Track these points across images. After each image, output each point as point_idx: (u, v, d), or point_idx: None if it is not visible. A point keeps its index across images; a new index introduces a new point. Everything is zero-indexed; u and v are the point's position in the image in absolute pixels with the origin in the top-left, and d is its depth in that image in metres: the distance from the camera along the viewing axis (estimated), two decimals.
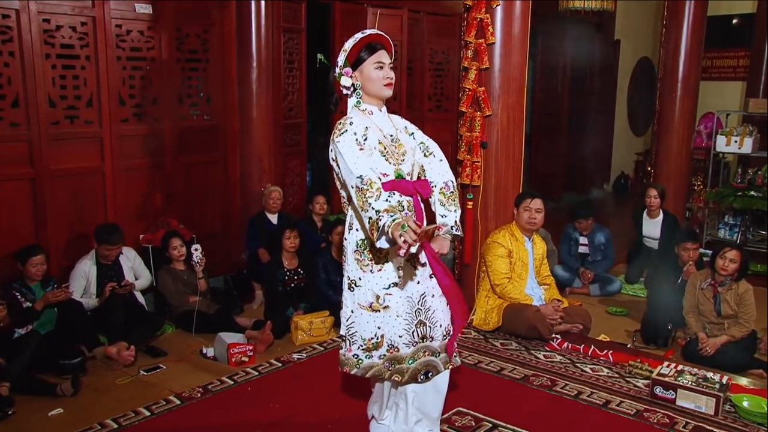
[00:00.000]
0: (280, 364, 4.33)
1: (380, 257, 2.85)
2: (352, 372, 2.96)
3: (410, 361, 2.89)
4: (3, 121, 4.68)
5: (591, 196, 10.66)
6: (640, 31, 11.10)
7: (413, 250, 2.42)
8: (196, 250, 4.98)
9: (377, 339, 2.90)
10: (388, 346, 2.90)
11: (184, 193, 5.81)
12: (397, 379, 2.92)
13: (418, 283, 2.91)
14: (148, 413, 3.63)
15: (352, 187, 2.67)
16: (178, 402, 3.78)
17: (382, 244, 2.55)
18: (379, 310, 2.88)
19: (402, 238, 2.38)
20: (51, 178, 4.89)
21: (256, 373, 4.18)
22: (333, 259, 5.17)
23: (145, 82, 5.43)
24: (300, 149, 6.84)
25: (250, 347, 4.38)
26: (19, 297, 4.25)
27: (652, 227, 6.33)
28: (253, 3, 5.97)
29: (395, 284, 2.86)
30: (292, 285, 5.24)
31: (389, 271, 2.86)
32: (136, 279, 4.98)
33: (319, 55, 3.14)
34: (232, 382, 4.05)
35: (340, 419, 3.55)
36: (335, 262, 5.19)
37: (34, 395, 3.80)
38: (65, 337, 4.30)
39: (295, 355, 4.46)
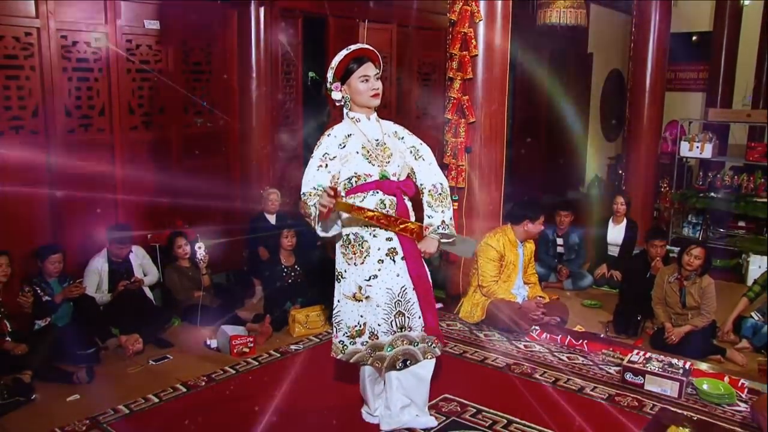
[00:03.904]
0: (279, 355, 4.37)
1: (362, 250, 2.93)
2: (338, 357, 3.04)
3: (389, 349, 2.97)
4: (24, 130, 4.71)
5: (568, 196, 10.73)
6: (612, 44, 11.17)
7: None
8: (200, 248, 5.00)
9: (360, 326, 2.98)
10: (369, 333, 2.97)
11: (189, 195, 5.82)
12: (377, 365, 3.00)
13: (398, 275, 2.96)
14: (156, 400, 3.68)
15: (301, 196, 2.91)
16: (185, 390, 3.82)
17: (324, 228, 2.87)
18: (362, 300, 2.96)
19: (319, 205, 2.65)
20: (67, 182, 4.90)
21: (257, 363, 4.22)
22: (328, 257, 5.21)
23: (153, 92, 5.46)
24: (296, 154, 6.85)
25: (251, 339, 4.42)
26: (38, 291, 4.28)
27: (616, 233, 6.37)
28: (252, 18, 5.99)
29: (375, 276, 2.93)
30: (290, 281, 5.27)
31: (370, 265, 2.94)
32: (145, 276, 5.02)
33: (310, 73, 3.18)
34: (234, 371, 4.09)
35: (335, 405, 3.59)
36: (330, 260, 5.23)
37: (53, 383, 3.84)
38: (80, 329, 4.32)
39: (293, 346, 4.50)
